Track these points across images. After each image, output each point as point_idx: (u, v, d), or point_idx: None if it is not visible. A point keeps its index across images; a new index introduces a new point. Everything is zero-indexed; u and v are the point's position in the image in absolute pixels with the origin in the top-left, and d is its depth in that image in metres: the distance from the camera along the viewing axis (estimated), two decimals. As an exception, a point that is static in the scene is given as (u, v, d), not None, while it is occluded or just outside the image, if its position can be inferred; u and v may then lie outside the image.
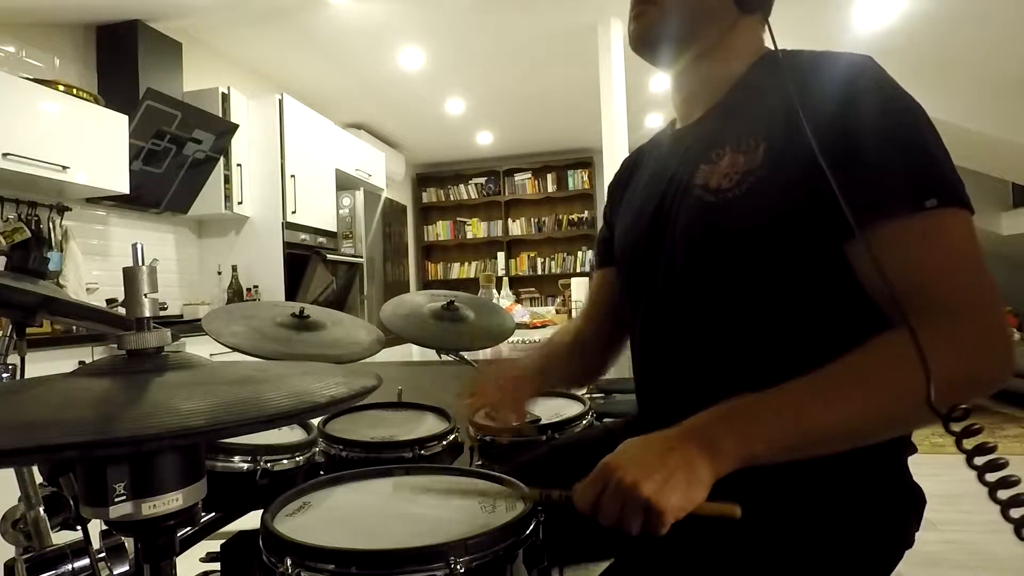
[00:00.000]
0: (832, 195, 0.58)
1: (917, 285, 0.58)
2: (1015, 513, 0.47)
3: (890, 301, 0.58)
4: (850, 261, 0.63)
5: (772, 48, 0.73)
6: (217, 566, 0.96)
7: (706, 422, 0.60)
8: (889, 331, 0.59)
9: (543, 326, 2.80)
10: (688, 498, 0.55)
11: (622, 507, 0.56)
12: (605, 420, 1.31)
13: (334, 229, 4.36)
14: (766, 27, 0.76)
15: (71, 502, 0.70)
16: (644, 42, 0.80)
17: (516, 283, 6.75)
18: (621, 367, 1.05)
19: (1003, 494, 0.48)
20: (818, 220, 0.63)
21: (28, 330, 0.83)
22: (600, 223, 1.07)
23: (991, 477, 0.48)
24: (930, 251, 0.58)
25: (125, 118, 2.86)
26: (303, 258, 3.94)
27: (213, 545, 0.97)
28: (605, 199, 1.05)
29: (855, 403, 0.57)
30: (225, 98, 3.55)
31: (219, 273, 3.73)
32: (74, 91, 2.69)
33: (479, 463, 1.19)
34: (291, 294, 3.78)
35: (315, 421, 1.12)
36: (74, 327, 2.30)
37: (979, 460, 0.49)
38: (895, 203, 0.59)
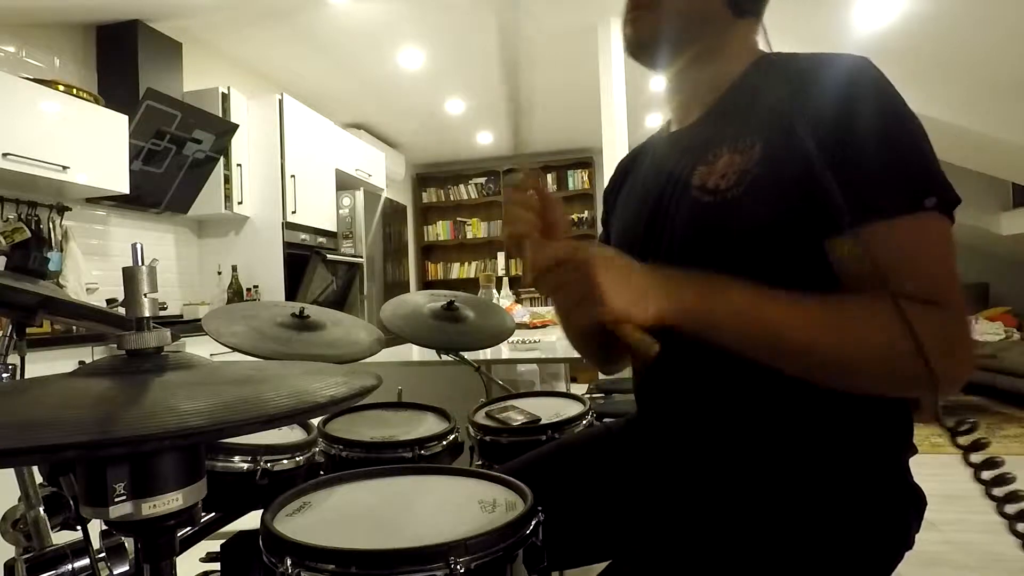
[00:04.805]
0: (827, 193, 0.59)
1: (909, 279, 0.59)
2: (1014, 516, 0.48)
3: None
4: (830, 257, 0.64)
5: (767, 50, 0.73)
6: (217, 566, 0.96)
7: (679, 274, 0.64)
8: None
9: (543, 326, 2.79)
10: (629, 311, 0.59)
11: (574, 281, 0.60)
12: (605, 420, 1.31)
13: (334, 229, 4.36)
14: (761, 29, 0.77)
15: (71, 502, 0.70)
16: (639, 47, 0.80)
17: (516, 283, 6.74)
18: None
19: (1011, 509, 0.48)
20: (813, 218, 0.63)
21: (28, 330, 0.83)
22: (600, 223, 1.07)
23: (999, 492, 0.49)
24: (923, 249, 0.60)
25: (125, 118, 2.86)
26: (303, 258, 3.94)
27: (213, 545, 0.96)
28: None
29: (825, 329, 0.59)
30: (225, 98, 3.55)
31: (219, 273, 3.73)
32: (74, 91, 2.69)
33: (479, 463, 1.19)
34: (291, 294, 3.78)
35: (315, 421, 1.12)
36: (74, 327, 2.30)
37: (985, 473, 0.50)
38: (894, 202, 0.60)
